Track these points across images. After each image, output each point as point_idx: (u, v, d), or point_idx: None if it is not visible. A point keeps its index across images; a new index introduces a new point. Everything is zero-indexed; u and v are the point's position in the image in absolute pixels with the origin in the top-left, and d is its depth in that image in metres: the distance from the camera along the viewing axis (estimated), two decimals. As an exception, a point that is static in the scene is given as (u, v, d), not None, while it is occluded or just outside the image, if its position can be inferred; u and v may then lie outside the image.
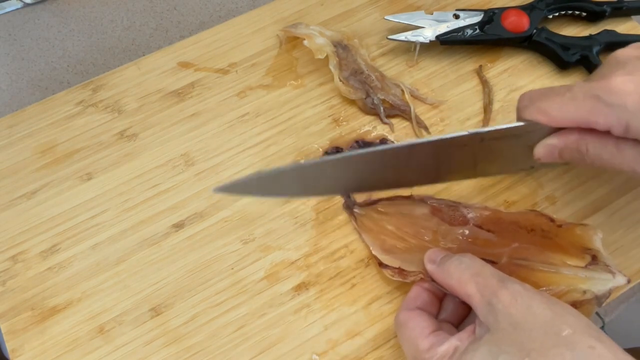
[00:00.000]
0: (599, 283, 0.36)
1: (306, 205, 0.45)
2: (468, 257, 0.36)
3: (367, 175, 0.39)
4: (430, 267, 0.38)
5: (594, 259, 0.38)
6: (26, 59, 0.58)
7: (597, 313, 0.50)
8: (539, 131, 0.37)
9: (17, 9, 0.61)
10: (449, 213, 0.42)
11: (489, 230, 0.41)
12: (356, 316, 0.41)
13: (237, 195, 0.39)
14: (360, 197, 0.45)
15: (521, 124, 0.37)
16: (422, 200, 0.43)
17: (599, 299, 0.36)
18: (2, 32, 0.59)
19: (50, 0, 0.61)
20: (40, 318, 0.41)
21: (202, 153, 0.48)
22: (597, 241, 0.39)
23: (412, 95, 0.49)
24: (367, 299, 0.42)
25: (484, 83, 0.50)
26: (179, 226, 0.45)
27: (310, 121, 0.49)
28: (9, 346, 0.41)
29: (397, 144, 0.39)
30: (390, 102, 0.49)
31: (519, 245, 0.39)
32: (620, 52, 0.35)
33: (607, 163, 0.35)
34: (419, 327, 0.35)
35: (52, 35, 0.59)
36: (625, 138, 0.34)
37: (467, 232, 0.41)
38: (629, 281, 0.36)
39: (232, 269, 0.43)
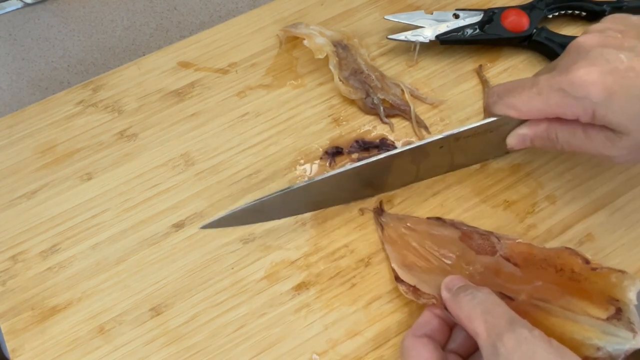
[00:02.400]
0: (617, 341, 0.33)
1: (306, 205, 0.45)
2: (483, 292, 0.34)
3: (346, 189, 0.42)
4: (445, 295, 0.36)
5: (618, 312, 0.34)
6: (26, 59, 0.58)
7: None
8: (509, 123, 0.38)
9: (18, 8, 0.61)
10: (478, 241, 0.41)
11: (515, 264, 0.39)
12: (356, 316, 0.41)
13: (225, 227, 0.41)
14: (389, 207, 0.45)
15: (493, 119, 0.38)
16: (453, 224, 0.42)
17: (612, 359, 0.33)
18: (3, 32, 0.59)
19: (50, 0, 0.61)
20: (41, 318, 0.41)
21: (202, 153, 0.48)
22: (630, 293, 0.35)
23: (412, 95, 0.49)
24: (367, 298, 0.42)
25: (484, 83, 0.50)
26: (179, 226, 0.45)
27: (310, 121, 0.49)
28: (9, 346, 0.41)
29: (372, 158, 0.39)
30: (390, 101, 0.49)
31: (542, 284, 0.37)
32: (582, 40, 0.35)
33: (576, 148, 0.36)
34: (422, 358, 0.34)
35: (52, 35, 0.59)
36: (593, 124, 0.34)
37: (492, 262, 0.39)
38: None
39: (232, 268, 0.43)
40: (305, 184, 0.40)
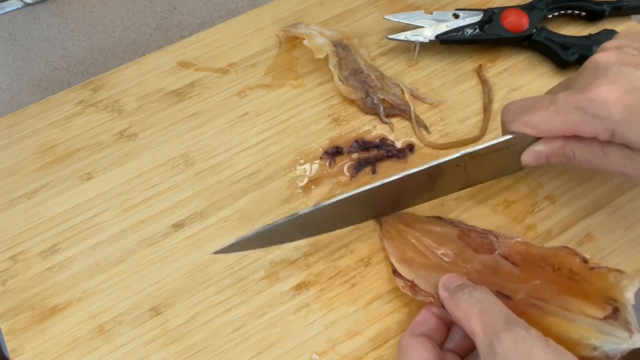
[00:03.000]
0: (613, 341, 0.33)
1: (306, 205, 0.45)
2: (480, 290, 0.34)
3: (361, 210, 0.42)
4: (442, 293, 0.36)
5: (615, 312, 0.34)
6: (26, 59, 0.58)
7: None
8: (525, 140, 0.38)
9: (18, 8, 0.61)
10: (477, 239, 0.41)
11: (513, 263, 0.39)
12: (356, 316, 0.41)
13: (236, 251, 0.41)
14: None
15: (509, 137, 0.37)
16: (452, 223, 0.42)
17: (609, 359, 0.33)
18: (3, 32, 0.59)
19: (50, 0, 0.61)
20: (41, 318, 0.42)
21: (202, 153, 0.48)
22: (627, 293, 0.35)
23: (411, 95, 0.49)
24: (367, 298, 0.42)
25: (484, 82, 0.50)
26: (178, 226, 0.45)
27: (310, 121, 0.49)
28: (9, 346, 0.41)
29: (387, 179, 0.38)
30: (390, 101, 0.49)
31: (539, 283, 0.37)
32: (600, 57, 0.35)
33: (594, 165, 0.36)
34: (420, 357, 0.34)
35: (52, 35, 0.59)
36: (611, 142, 0.34)
37: (490, 261, 0.39)
38: None
39: (232, 268, 0.43)
40: (312, 209, 0.38)
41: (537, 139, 0.38)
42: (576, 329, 0.34)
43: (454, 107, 0.49)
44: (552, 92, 0.37)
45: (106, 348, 0.40)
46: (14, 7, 0.61)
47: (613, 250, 0.43)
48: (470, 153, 0.38)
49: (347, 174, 0.46)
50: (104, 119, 0.49)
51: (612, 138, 0.33)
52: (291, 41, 0.53)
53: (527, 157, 0.38)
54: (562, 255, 0.38)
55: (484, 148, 0.38)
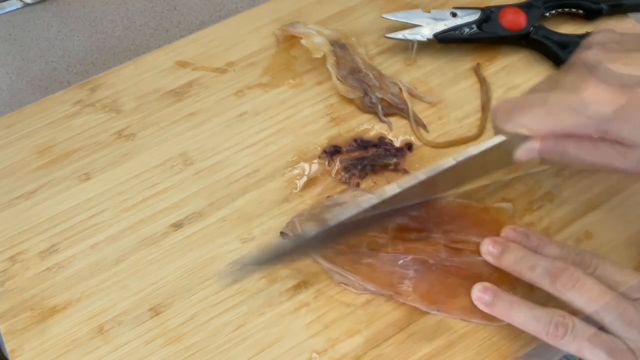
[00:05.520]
0: None
1: (305, 204, 0.45)
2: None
3: (357, 225, 0.41)
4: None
5: None
6: (26, 59, 0.58)
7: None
8: (517, 138, 0.38)
9: (17, 8, 0.61)
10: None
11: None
12: (355, 315, 0.41)
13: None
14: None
15: (504, 138, 0.38)
16: None
17: None
18: (2, 32, 0.59)
19: (50, 0, 0.61)
20: (40, 318, 0.42)
21: (201, 152, 0.48)
22: None
23: (410, 94, 0.49)
24: (366, 297, 0.42)
25: (482, 81, 0.50)
26: (177, 225, 0.45)
27: (308, 120, 0.49)
28: (8, 347, 0.41)
29: (383, 194, 0.38)
30: (389, 100, 0.49)
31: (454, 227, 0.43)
32: (585, 55, 0.35)
33: (586, 161, 0.36)
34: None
35: (52, 35, 0.59)
36: (603, 138, 0.34)
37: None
38: None
39: (232, 268, 0.43)
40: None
41: (529, 137, 0.38)
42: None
43: (452, 105, 0.49)
44: (540, 89, 0.37)
45: (106, 348, 0.40)
46: (13, 7, 0.61)
47: (611, 247, 0.43)
48: (467, 158, 0.38)
49: (334, 177, 0.46)
50: (102, 119, 0.49)
51: (604, 135, 0.34)
52: (289, 40, 0.53)
53: (520, 153, 0.38)
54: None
55: (480, 151, 0.38)
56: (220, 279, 0.42)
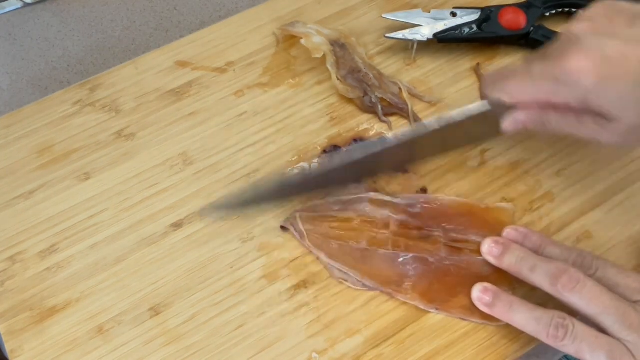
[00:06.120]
0: None
1: (304, 204, 0.45)
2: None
3: (339, 179, 0.43)
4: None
5: None
6: (26, 59, 0.58)
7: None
8: (503, 108, 0.39)
9: (17, 8, 0.61)
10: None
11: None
12: (355, 314, 0.41)
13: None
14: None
15: (485, 103, 0.39)
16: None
17: None
18: (2, 32, 0.59)
19: (50, 0, 0.61)
20: (39, 318, 0.41)
21: (200, 152, 0.48)
22: None
23: (409, 94, 0.49)
24: (366, 297, 0.42)
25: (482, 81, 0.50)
26: (177, 225, 0.45)
27: (308, 120, 0.49)
28: (8, 347, 0.41)
29: (367, 148, 0.40)
30: (388, 100, 0.49)
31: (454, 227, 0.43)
32: (573, 27, 0.35)
33: (569, 133, 0.37)
34: None
35: (52, 35, 0.59)
36: (585, 109, 0.35)
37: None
38: None
39: (231, 267, 0.43)
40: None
41: (514, 108, 0.39)
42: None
43: (452, 105, 0.49)
44: (529, 61, 0.38)
45: (105, 348, 0.40)
46: (13, 7, 0.61)
47: (611, 247, 0.43)
48: (450, 121, 0.40)
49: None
50: (102, 119, 0.49)
51: (585, 106, 0.34)
52: (289, 40, 0.53)
53: (506, 124, 0.39)
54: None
55: (463, 116, 0.40)
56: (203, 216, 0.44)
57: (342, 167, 0.41)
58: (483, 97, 0.40)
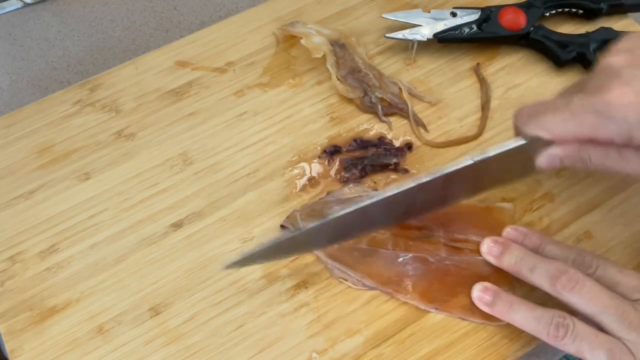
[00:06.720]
0: None
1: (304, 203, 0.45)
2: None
3: (370, 222, 0.40)
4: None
5: None
6: (26, 59, 0.58)
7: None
8: (539, 143, 0.37)
9: (17, 8, 0.61)
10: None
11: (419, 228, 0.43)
12: (355, 314, 0.41)
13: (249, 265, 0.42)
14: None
15: (523, 142, 0.37)
16: None
17: None
18: (2, 32, 0.59)
19: (50, 0, 0.61)
20: (39, 318, 0.41)
21: (200, 152, 0.48)
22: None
23: (409, 94, 0.49)
24: (366, 297, 0.42)
25: (482, 81, 0.50)
26: (177, 225, 0.45)
27: (308, 120, 0.49)
28: (8, 347, 0.41)
29: (397, 189, 0.37)
30: (388, 100, 0.49)
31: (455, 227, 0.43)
32: (613, 60, 0.35)
33: (610, 169, 0.35)
34: None
35: (52, 35, 0.59)
36: (627, 145, 0.34)
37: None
38: None
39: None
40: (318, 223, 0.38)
41: (551, 143, 0.37)
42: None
43: (452, 105, 0.49)
44: (566, 94, 0.37)
45: (105, 348, 0.40)
46: (13, 7, 0.61)
47: (611, 247, 0.43)
48: (485, 159, 0.37)
49: (334, 176, 0.46)
50: (102, 119, 0.49)
51: (628, 141, 0.33)
52: (289, 40, 0.53)
53: (542, 160, 0.37)
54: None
55: (496, 154, 0.37)
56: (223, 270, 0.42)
57: (371, 211, 0.38)
58: (517, 132, 0.38)
